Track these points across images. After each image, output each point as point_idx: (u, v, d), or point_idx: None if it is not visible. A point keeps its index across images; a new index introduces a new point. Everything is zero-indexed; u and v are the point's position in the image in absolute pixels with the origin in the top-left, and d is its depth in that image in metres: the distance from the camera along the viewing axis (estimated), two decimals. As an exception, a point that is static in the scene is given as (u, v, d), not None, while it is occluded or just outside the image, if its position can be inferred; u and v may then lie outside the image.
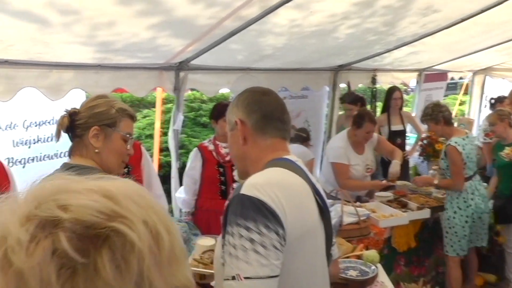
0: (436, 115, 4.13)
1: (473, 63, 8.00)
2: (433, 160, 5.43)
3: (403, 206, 4.34)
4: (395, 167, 4.52)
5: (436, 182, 4.38)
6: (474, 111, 9.40)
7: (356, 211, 3.57)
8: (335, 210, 3.64)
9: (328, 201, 3.89)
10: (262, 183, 1.42)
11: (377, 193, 4.62)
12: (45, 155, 3.97)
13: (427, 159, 5.61)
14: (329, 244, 1.65)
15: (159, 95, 5.06)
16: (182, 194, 4.07)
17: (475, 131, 8.02)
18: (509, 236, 4.46)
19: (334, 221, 3.50)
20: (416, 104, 8.02)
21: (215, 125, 4.05)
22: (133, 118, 1.93)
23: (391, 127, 5.82)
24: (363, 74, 6.43)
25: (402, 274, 4.20)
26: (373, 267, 2.91)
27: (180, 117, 4.61)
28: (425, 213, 4.19)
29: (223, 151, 4.01)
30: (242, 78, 4.91)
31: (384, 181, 4.57)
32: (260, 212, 1.35)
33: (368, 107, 6.56)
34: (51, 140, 4.24)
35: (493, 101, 6.85)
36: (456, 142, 4.03)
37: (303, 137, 5.31)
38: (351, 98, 5.66)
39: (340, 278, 2.79)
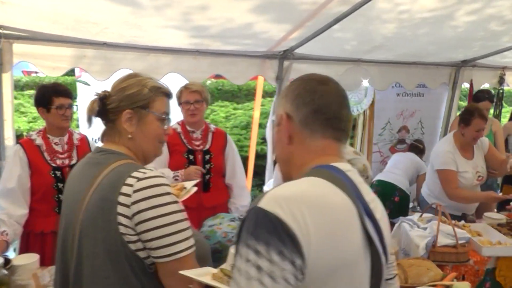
0: None
1: None
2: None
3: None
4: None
5: None
6: None
7: (454, 232, 3.15)
8: (430, 228, 3.26)
9: (428, 215, 3.58)
10: (287, 197, 1.13)
11: (487, 214, 4.07)
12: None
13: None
14: (376, 282, 1.31)
15: (260, 84, 4.92)
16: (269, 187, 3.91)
17: None
18: None
19: (427, 240, 3.14)
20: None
21: None
22: (169, 96, 1.76)
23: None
24: (489, 72, 5.74)
25: (507, 314, 3.68)
26: (462, 303, 2.54)
27: (278, 108, 4.44)
28: None
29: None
30: (352, 70, 4.61)
31: (501, 194, 3.98)
32: (276, 234, 1.07)
33: (491, 111, 5.88)
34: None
35: None
36: None
37: (419, 148, 5.02)
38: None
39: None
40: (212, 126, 3.58)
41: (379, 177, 4.89)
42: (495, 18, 3.92)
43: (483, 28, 4.20)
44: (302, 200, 1.12)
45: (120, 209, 1.45)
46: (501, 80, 5.88)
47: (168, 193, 1.48)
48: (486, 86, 5.95)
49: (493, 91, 5.85)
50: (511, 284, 3.55)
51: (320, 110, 1.30)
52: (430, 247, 3.10)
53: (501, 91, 5.95)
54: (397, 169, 4.82)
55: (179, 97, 3.42)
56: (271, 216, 1.08)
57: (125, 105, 1.64)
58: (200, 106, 3.40)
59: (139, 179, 1.47)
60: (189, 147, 3.41)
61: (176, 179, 3.19)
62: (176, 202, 1.50)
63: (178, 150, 3.40)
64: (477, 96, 4.81)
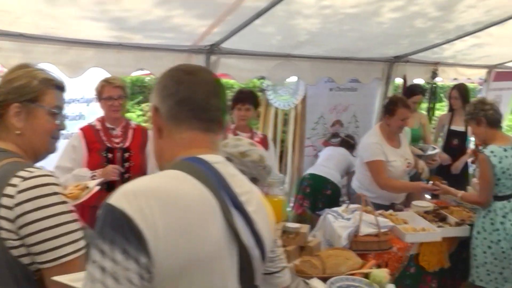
0: (477, 113, 3.55)
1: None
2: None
3: (441, 219, 3.87)
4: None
5: (459, 195, 3.76)
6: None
7: (377, 221, 3.19)
8: (354, 218, 3.30)
9: (354, 206, 3.62)
10: (137, 191, 1.07)
11: (414, 202, 4.17)
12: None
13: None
14: (248, 277, 1.27)
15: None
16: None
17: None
18: None
19: (349, 230, 3.17)
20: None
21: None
22: (61, 88, 1.67)
23: (451, 127, 5.27)
24: (422, 67, 5.88)
25: (431, 298, 3.77)
26: (378, 289, 2.56)
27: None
28: (463, 231, 3.69)
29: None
30: (282, 65, 4.61)
31: (430, 184, 4.06)
32: (121, 231, 1.01)
33: (425, 105, 6.04)
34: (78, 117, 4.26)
35: None
36: (492, 152, 3.43)
37: (350, 144, 5.05)
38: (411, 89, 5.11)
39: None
40: (133, 123, 3.51)
41: (310, 170, 4.92)
42: (420, 15, 4.02)
43: (409, 25, 4.30)
44: (154, 194, 1.07)
45: (2, 212, 1.34)
46: (434, 75, 6.04)
47: (55, 193, 1.39)
48: (419, 81, 6.09)
49: (427, 86, 6.03)
50: (434, 268, 3.65)
51: (184, 101, 1.26)
52: (352, 236, 3.14)
53: (434, 85, 6.11)
54: (329, 162, 4.86)
55: (100, 92, 3.33)
56: (117, 212, 1.03)
57: (13, 98, 1.54)
58: (123, 101, 3.35)
59: (24, 179, 1.37)
60: (108, 145, 3.32)
61: (93, 179, 3.09)
62: (64, 202, 1.41)
63: (96, 148, 3.31)
64: (410, 90, 4.93)
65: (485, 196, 3.51)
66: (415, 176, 4.57)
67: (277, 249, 1.55)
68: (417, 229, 3.55)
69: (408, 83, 5.79)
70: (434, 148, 4.73)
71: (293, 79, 4.95)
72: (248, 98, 3.80)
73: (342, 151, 5.05)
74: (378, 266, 3.26)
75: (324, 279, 2.63)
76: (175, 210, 1.08)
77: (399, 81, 5.93)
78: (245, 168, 2.04)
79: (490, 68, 6.98)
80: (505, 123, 8.29)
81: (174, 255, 1.06)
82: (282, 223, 3.14)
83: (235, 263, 1.22)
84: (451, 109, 5.35)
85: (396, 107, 3.96)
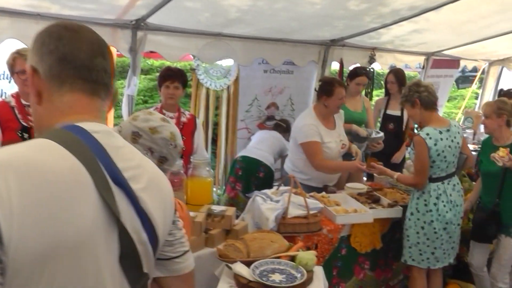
0: (412, 95, 3.49)
1: (488, 51, 7.34)
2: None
3: (375, 201, 3.81)
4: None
5: (395, 176, 3.70)
6: (487, 105, 8.68)
7: (305, 203, 3.07)
8: (283, 200, 3.16)
9: (285, 188, 3.50)
10: None
11: (348, 184, 4.10)
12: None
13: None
14: (131, 263, 1.08)
15: (112, 55, 4.58)
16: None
17: (481, 127, 7.38)
18: (479, 257, 3.89)
19: (276, 212, 3.03)
20: (420, 91, 7.40)
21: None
22: None
23: (387, 111, 5.24)
24: (359, 52, 5.85)
25: (365, 279, 3.70)
26: (304, 272, 2.43)
27: (135, 81, 4.15)
28: (395, 212, 3.64)
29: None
30: (212, 44, 4.41)
31: (365, 166, 3.98)
32: None
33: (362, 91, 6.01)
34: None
35: (502, 93, 6.22)
36: (427, 134, 3.36)
37: (283, 128, 4.91)
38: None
39: (257, 283, 2.34)
40: None
41: (243, 153, 4.77)
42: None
43: (342, 7, 4.21)
44: (11, 166, 0.88)
45: None
46: (371, 60, 6.02)
47: None
48: (356, 65, 6.05)
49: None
50: (366, 249, 3.58)
51: (66, 58, 1.09)
52: (279, 219, 3.00)
53: (371, 70, 6.09)
54: (262, 145, 4.72)
55: (12, 65, 3.01)
56: None
57: None
58: None
59: None
60: (24, 123, 3.01)
61: None
62: None
63: (11, 127, 2.99)
64: (355, 71, 4.79)
65: (420, 178, 3.45)
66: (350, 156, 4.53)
67: (177, 231, 1.37)
68: (349, 210, 3.47)
69: (345, 68, 5.76)
70: (378, 133, 4.66)
71: (225, 59, 4.76)
72: (177, 75, 3.58)
73: (276, 134, 4.92)
74: (308, 248, 3.17)
75: (248, 263, 2.48)
76: (37, 185, 0.89)
77: (336, 66, 5.86)
78: (154, 146, 1.82)
79: (428, 55, 7.08)
80: (442, 111, 8.47)
81: (34, 239, 0.86)
82: (207, 206, 2.97)
83: (116, 249, 1.04)
84: (387, 94, 5.32)
85: (333, 87, 3.88)
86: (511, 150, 3.54)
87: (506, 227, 3.66)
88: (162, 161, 1.80)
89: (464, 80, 15.57)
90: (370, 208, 3.58)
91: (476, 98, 9.90)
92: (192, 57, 4.81)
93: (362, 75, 4.72)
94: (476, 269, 3.91)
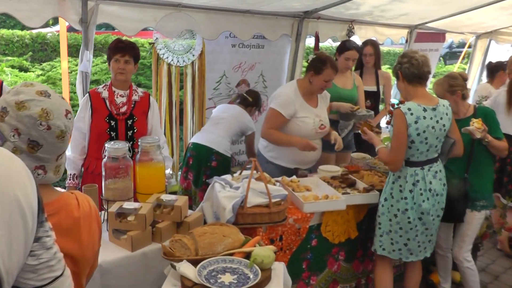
0: (395, 68, 3.15)
1: (474, 23, 7.00)
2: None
3: (350, 185, 3.47)
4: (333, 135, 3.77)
5: (377, 147, 3.27)
6: (473, 81, 8.41)
7: (267, 189, 2.72)
8: (243, 187, 2.81)
9: (246, 174, 3.14)
10: None
11: (321, 167, 3.76)
12: None
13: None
14: None
15: (63, 27, 4.16)
16: (68, 152, 3.22)
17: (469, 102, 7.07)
18: (444, 236, 3.64)
19: (234, 201, 2.69)
20: (404, 66, 7.03)
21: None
22: None
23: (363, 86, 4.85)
24: (336, 25, 5.47)
25: (340, 272, 3.38)
26: (258, 271, 2.09)
27: (88, 57, 3.75)
28: (371, 197, 3.28)
29: (118, 100, 3.19)
30: (172, 16, 4.01)
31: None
32: None
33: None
34: None
35: (491, 65, 5.88)
36: (409, 109, 2.97)
37: (247, 102, 4.39)
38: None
39: (203, 286, 2.00)
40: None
41: (194, 139, 4.23)
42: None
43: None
44: None
45: None
46: (350, 33, 5.64)
47: None
48: (333, 39, 5.69)
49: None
50: (340, 239, 3.27)
51: None
52: (237, 208, 2.65)
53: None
54: (216, 128, 4.18)
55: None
56: None
57: None
58: None
59: None
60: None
61: None
62: None
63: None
64: (343, 45, 4.39)
65: (394, 156, 3.03)
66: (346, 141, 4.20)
67: (43, 252, 1.01)
68: (320, 197, 3.14)
69: (321, 41, 5.38)
70: (368, 111, 4.28)
71: (187, 32, 4.36)
72: (128, 48, 3.17)
73: (236, 110, 4.30)
74: (272, 241, 2.84)
75: (197, 262, 2.14)
76: None
77: (312, 41, 5.47)
78: (20, 126, 1.36)
79: (411, 28, 6.72)
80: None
81: None
82: (156, 195, 2.62)
83: None
84: (360, 68, 4.91)
85: (324, 66, 3.56)
86: (483, 118, 3.35)
87: (473, 201, 3.42)
88: (33, 147, 1.35)
89: (452, 56, 15.35)
90: (344, 193, 3.25)
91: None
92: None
93: (352, 49, 4.31)
94: (445, 250, 3.68)
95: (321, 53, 3.78)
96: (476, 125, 3.23)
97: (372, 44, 4.78)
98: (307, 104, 3.71)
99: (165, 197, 2.60)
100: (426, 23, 6.62)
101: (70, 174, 3.23)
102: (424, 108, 2.98)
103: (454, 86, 3.39)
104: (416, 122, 2.93)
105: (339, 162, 4.29)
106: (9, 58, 7.07)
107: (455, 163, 3.40)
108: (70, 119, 1.46)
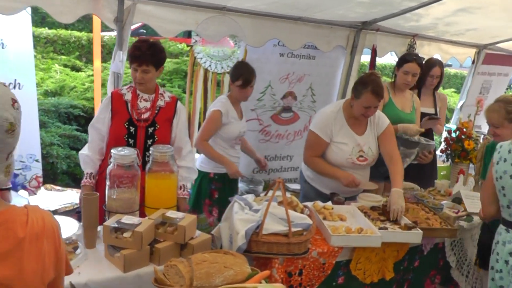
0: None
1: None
2: (458, 162, 4.03)
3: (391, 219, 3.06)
4: (395, 199, 3.03)
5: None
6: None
7: (287, 215, 2.37)
8: (263, 210, 2.48)
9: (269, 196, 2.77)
10: None
11: (362, 194, 3.35)
12: None
13: (451, 159, 4.16)
14: None
15: (97, 26, 4.01)
16: (85, 151, 3.01)
17: None
18: None
19: (249, 226, 2.37)
20: (467, 89, 6.47)
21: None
22: None
23: (420, 108, 4.40)
24: (396, 38, 5.04)
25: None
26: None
27: (122, 58, 3.57)
28: (413, 237, 2.84)
29: (142, 104, 2.94)
30: (216, 19, 3.76)
31: (368, 182, 3.25)
32: None
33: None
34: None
35: None
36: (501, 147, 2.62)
37: None
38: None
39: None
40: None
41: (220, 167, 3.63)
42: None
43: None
44: None
45: None
46: (411, 50, 5.19)
47: None
48: (392, 54, 5.26)
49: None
50: (373, 278, 2.85)
51: None
52: (250, 235, 2.33)
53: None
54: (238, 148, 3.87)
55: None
56: None
57: None
58: None
59: None
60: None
61: None
62: None
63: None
64: (403, 57, 3.96)
65: (485, 207, 2.80)
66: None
67: None
68: (353, 229, 2.75)
69: (379, 56, 4.97)
70: (427, 140, 3.81)
71: (231, 38, 4.10)
72: (145, 56, 2.83)
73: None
74: (289, 274, 2.49)
75: (190, 294, 1.85)
76: None
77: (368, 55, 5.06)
78: None
79: (479, 47, 6.17)
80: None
81: None
82: (162, 211, 2.35)
83: None
84: (418, 86, 4.43)
85: (364, 89, 3.13)
86: None
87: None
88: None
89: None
90: (381, 228, 2.84)
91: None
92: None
93: (413, 62, 3.83)
94: None
95: (369, 73, 3.33)
96: None
97: (440, 65, 4.32)
98: (350, 129, 3.30)
99: (172, 214, 2.33)
100: (497, 42, 6.05)
101: (87, 173, 2.97)
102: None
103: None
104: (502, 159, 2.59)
105: (388, 192, 3.83)
106: (63, 57, 7.15)
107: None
108: (18, 109, 1.22)
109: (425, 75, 4.27)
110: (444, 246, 3.26)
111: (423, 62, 4.21)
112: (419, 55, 5.23)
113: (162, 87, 3.15)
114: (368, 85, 3.13)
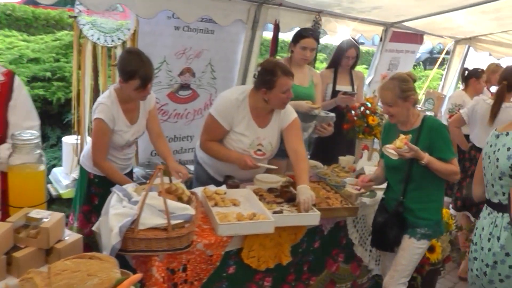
0: None
1: (453, 26, 6.53)
2: (362, 138, 4.01)
3: (289, 200, 2.93)
4: (303, 191, 2.81)
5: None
6: (450, 87, 8.02)
7: (165, 207, 2.16)
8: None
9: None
10: None
11: (258, 176, 3.20)
12: None
13: (350, 135, 4.11)
14: None
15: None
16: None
17: (443, 109, 6.65)
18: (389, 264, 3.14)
19: (124, 221, 2.13)
20: (375, 66, 6.54)
21: None
22: None
23: (336, 86, 4.36)
24: (300, 14, 4.89)
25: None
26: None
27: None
28: (310, 219, 2.73)
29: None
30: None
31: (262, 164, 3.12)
32: None
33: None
34: None
35: (466, 73, 5.41)
36: None
37: None
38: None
39: None
40: None
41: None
42: None
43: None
44: None
45: None
46: (316, 26, 5.09)
47: None
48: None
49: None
50: (268, 264, 2.72)
51: None
52: (124, 232, 2.10)
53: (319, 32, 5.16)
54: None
55: None
56: None
57: None
58: None
59: None
60: None
61: None
62: None
63: None
64: (299, 33, 3.83)
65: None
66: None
67: None
68: (245, 215, 2.60)
69: (282, 32, 4.81)
70: (327, 113, 3.78)
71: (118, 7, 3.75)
72: None
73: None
74: (172, 271, 2.30)
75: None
76: None
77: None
78: None
79: (386, 25, 6.22)
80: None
81: None
82: (25, 210, 2.05)
83: None
84: (334, 65, 4.41)
85: (275, 76, 2.93)
86: (418, 135, 2.83)
87: (412, 227, 2.93)
88: None
89: (432, 61, 15.24)
90: (276, 212, 2.71)
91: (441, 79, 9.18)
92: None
93: (309, 37, 3.73)
94: None
95: (265, 61, 3.12)
96: (397, 143, 2.70)
97: (355, 47, 4.33)
98: (253, 121, 3.11)
99: (37, 213, 2.03)
100: (403, 21, 6.12)
101: None
102: None
103: (407, 91, 2.82)
104: None
105: (290, 171, 3.71)
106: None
107: (391, 183, 3.03)
108: None
109: (341, 56, 4.33)
110: (346, 224, 3.22)
111: (340, 43, 4.33)
112: (327, 31, 5.23)
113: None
114: (275, 70, 2.95)
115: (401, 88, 2.80)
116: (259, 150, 3.16)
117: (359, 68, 10.65)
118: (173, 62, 4.21)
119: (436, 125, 2.86)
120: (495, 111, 4.11)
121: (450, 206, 4.70)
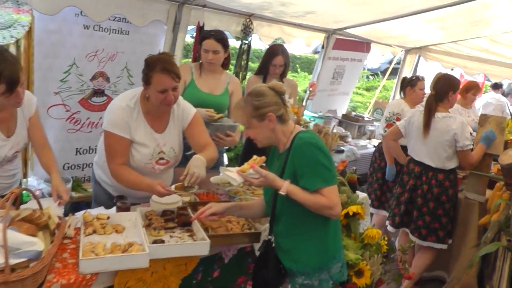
0: None
1: (400, 34, 6.38)
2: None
3: (183, 225, 2.59)
4: (196, 163, 2.60)
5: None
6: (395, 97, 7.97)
7: (4, 241, 1.79)
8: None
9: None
10: None
11: (154, 197, 2.84)
12: None
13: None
14: None
15: None
16: None
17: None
18: None
19: None
20: (318, 73, 6.30)
21: None
22: None
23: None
24: (229, 17, 4.60)
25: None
26: None
27: None
28: (198, 249, 2.37)
29: None
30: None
31: (174, 187, 2.74)
32: None
33: (231, 68, 4.74)
34: None
35: (406, 81, 5.21)
36: None
37: None
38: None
39: None
40: None
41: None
42: None
43: None
44: None
45: None
46: (247, 30, 4.80)
47: None
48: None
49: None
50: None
51: None
52: None
53: (245, 43, 4.87)
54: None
55: None
56: None
57: None
58: None
59: None
60: None
61: None
62: None
63: None
64: (201, 35, 3.52)
65: None
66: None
67: None
68: (121, 245, 2.26)
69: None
70: (233, 122, 3.41)
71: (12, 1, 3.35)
72: None
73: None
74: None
75: None
76: None
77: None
78: None
79: (329, 32, 5.99)
80: (349, 98, 7.56)
81: None
82: None
83: None
84: (262, 73, 4.11)
85: (152, 71, 2.59)
86: (285, 159, 2.30)
87: (291, 275, 2.41)
88: None
89: (392, 72, 15.16)
90: (155, 241, 2.35)
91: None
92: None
93: (210, 38, 3.38)
94: None
95: (157, 54, 2.74)
96: (244, 166, 2.21)
97: (283, 54, 4.00)
98: (149, 127, 2.79)
99: None
100: (346, 28, 5.91)
101: None
102: None
103: (260, 108, 2.26)
104: None
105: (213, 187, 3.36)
106: None
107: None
108: None
109: (267, 63, 4.02)
110: (254, 249, 2.89)
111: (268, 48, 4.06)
112: (260, 36, 4.94)
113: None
114: (155, 65, 2.60)
115: (253, 106, 2.26)
116: (162, 158, 2.85)
117: (302, 75, 10.48)
118: (84, 65, 3.84)
119: (299, 144, 2.24)
120: (426, 122, 3.92)
121: (388, 222, 4.47)
